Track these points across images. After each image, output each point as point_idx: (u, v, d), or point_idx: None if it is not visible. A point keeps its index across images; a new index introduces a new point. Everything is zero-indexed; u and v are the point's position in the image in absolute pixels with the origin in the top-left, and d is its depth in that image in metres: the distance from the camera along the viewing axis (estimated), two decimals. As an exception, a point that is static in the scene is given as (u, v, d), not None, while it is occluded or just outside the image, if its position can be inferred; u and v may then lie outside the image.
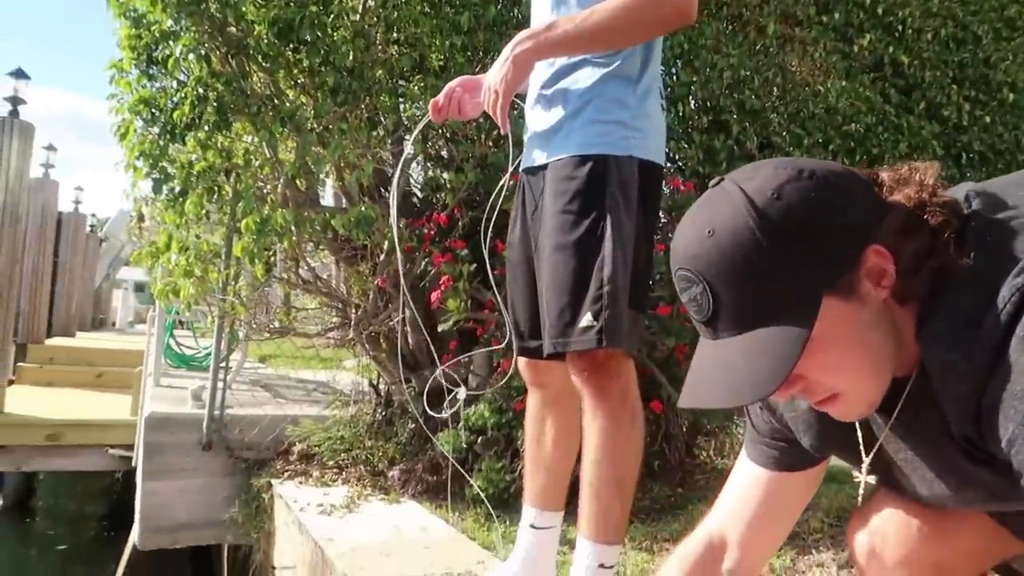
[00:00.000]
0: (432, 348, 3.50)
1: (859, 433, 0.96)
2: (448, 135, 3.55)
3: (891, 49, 4.25)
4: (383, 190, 3.61)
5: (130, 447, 5.75)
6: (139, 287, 24.74)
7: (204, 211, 3.40)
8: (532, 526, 1.86)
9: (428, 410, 3.15)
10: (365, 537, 2.55)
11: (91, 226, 14.41)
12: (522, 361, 1.87)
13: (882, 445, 0.93)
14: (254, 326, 3.59)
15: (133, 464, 5.37)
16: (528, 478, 1.89)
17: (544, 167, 1.67)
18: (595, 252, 1.54)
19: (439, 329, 2.97)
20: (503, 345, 2.90)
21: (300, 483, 3.27)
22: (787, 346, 0.77)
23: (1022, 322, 0.73)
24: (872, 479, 0.99)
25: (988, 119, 4.39)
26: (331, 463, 3.44)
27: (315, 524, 2.70)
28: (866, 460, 0.97)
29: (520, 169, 1.79)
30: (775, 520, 1.10)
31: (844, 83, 4.09)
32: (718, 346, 0.81)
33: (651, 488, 3.02)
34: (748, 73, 3.83)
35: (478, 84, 1.71)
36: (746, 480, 1.09)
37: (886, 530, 1.07)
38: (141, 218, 3.68)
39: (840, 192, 0.80)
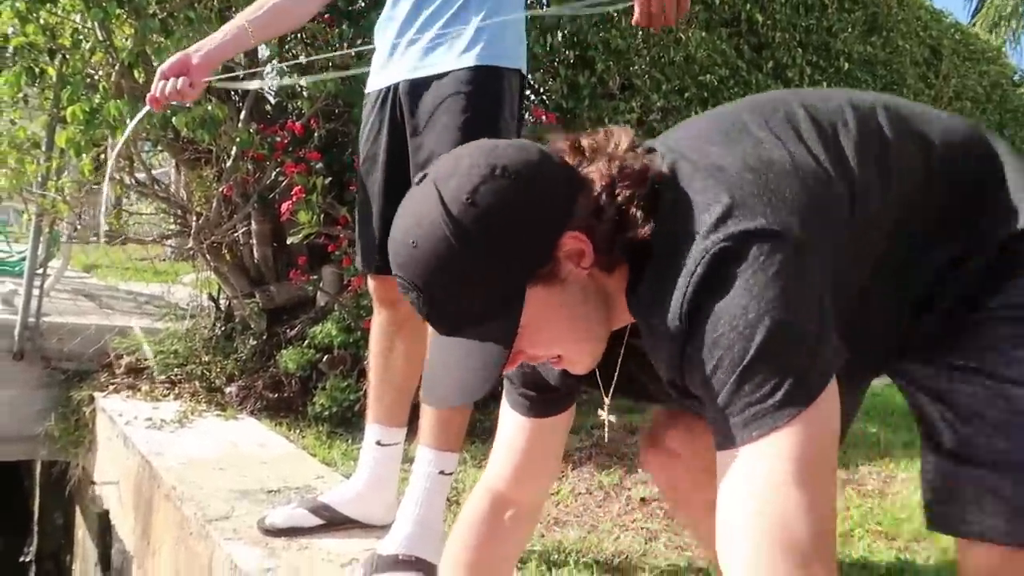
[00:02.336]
0: (277, 263, 3.38)
1: (598, 375, 1.05)
2: (307, 40, 3.34)
3: (748, 6, 4.43)
4: (232, 92, 3.36)
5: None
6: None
7: (21, 94, 3.03)
8: (378, 443, 1.87)
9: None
10: (198, 452, 2.45)
11: None
12: (371, 282, 1.85)
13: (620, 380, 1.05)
14: (78, 227, 3.27)
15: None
16: (373, 396, 1.89)
17: (430, 79, 1.63)
18: None
19: (288, 242, 2.85)
20: (354, 265, 2.85)
21: (127, 397, 3.08)
22: (494, 350, 0.84)
23: (704, 286, 0.80)
24: (613, 418, 1.11)
25: (825, 84, 4.72)
26: (162, 378, 3.25)
27: (143, 438, 2.56)
28: (607, 401, 1.09)
29: (388, 83, 1.73)
30: (543, 459, 1.20)
31: (704, 34, 4.24)
32: (444, 342, 0.88)
33: (493, 410, 3.11)
34: (616, 14, 3.87)
35: (185, 64, 1.69)
36: (510, 429, 1.16)
37: (677, 446, 1.23)
38: (-58, 96, 3.21)
39: (534, 187, 0.85)
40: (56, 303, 3.92)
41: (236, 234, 3.30)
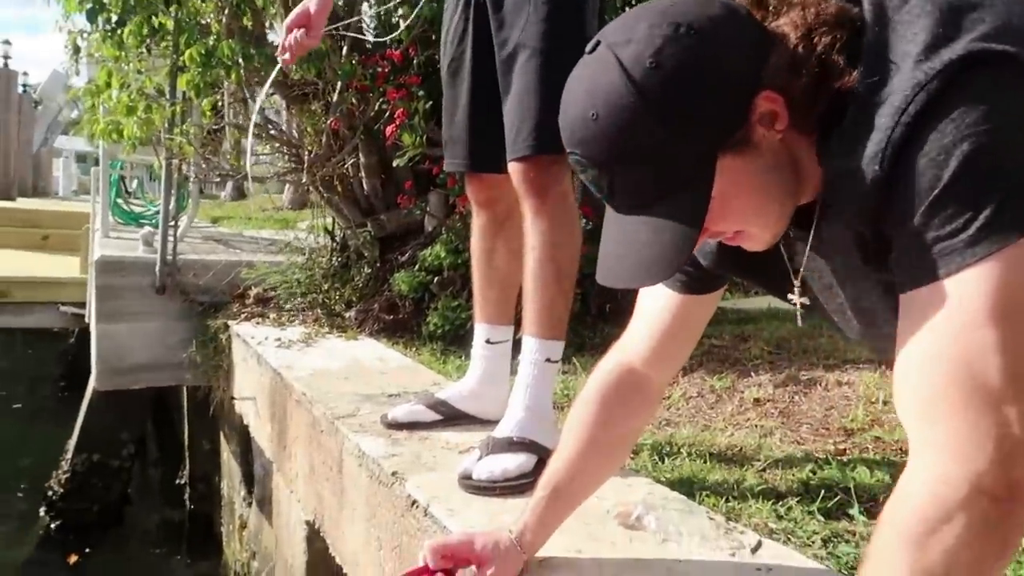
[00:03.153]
0: (386, 193, 3.49)
1: (785, 260, 0.98)
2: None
3: None
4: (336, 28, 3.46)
5: (82, 304, 5.69)
6: (80, 157, 23.72)
7: (145, 44, 3.23)
8: (488, 341, 1.92)
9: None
10: (323, 365, 2.61)
11: (23, 86, 13.60)
12: (468, 180, 1.88)
13: (805, 279, 0.96)
14: (203, 166, 3.49)
15: (87, 321, 5.35)
16: (479, 296, 1.94)
17: None
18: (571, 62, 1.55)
19: (395, 164, 2.93)
20: (459, 183, 2.90)
21: (257, 324, 3.30)
22: (687, 219, 0.78)
23: (916, 123, 0.72)
24: (805, 300, 1.01)
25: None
26: (288, 306, 3.46)
27: (273, 356, 2.75)
28: (796, 281, 1.00)
29: None
30: (682, 340, 1.15)
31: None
32: (624, 220, 0.82)
33: (603, 328, 3.13)
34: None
35: (306, 15, 1.75)
36: (656, 306, 1.12)
37: None
38: (76, 50, 3.47)
39: (721, 43, 0.77)
40: (189, 244, 4.22)
41: (346, 166, 3.42)
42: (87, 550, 4.22)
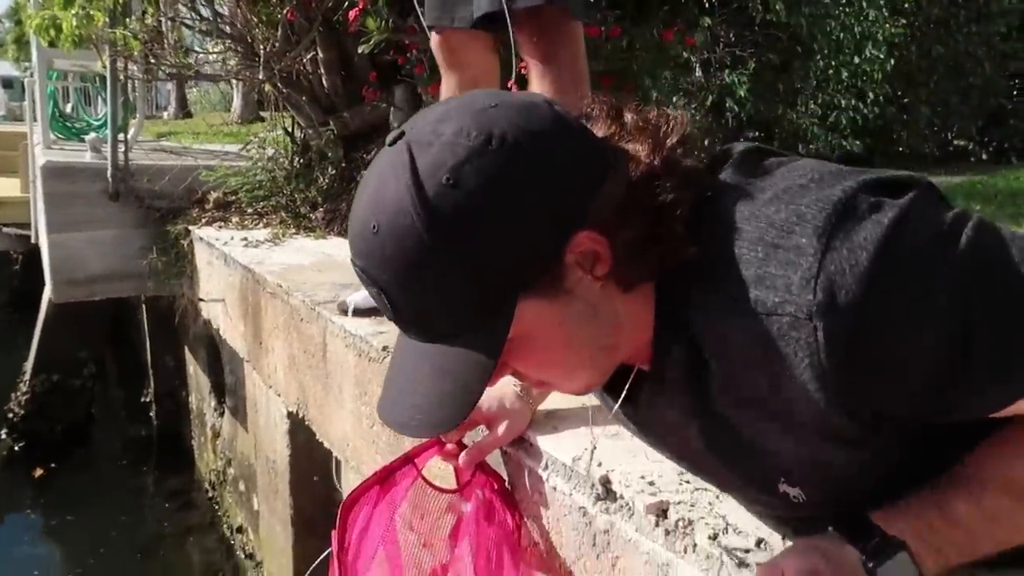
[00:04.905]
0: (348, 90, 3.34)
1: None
2: None
3: None
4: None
5: (26, 225, 5.44)
6: (7, 83, 22.36)
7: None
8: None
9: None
10: (296, 261, 2.53)
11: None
12: (435, 41, 1.76)
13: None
14: (151, 61, 3.29)
15: (33, 241, 5.13)
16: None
17: None
18: None
19: (360, 51, 2.79)
20: (427, 71, 2.79)
21: (220, 227, 3.19)
22: (472, 374, 0.65)
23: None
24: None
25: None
26: (250, 210, 3.35)
27: (242, 254, 2.66)
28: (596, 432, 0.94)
29: None
30: None
31: None
32: (412, 346, 0.69)
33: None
34: None
35: None
36: None
37: None
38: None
39: (543, 167, 0.62)
40: (141, 153, 4.02)
41: (304, 62, 3.26)
42: (53, 466, 4.14)
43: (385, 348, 1.61)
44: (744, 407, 0.67)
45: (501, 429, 1.10)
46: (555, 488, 1.11)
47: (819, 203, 0.61)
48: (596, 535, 1.03)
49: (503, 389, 1.13)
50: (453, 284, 0.63)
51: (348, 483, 2.21)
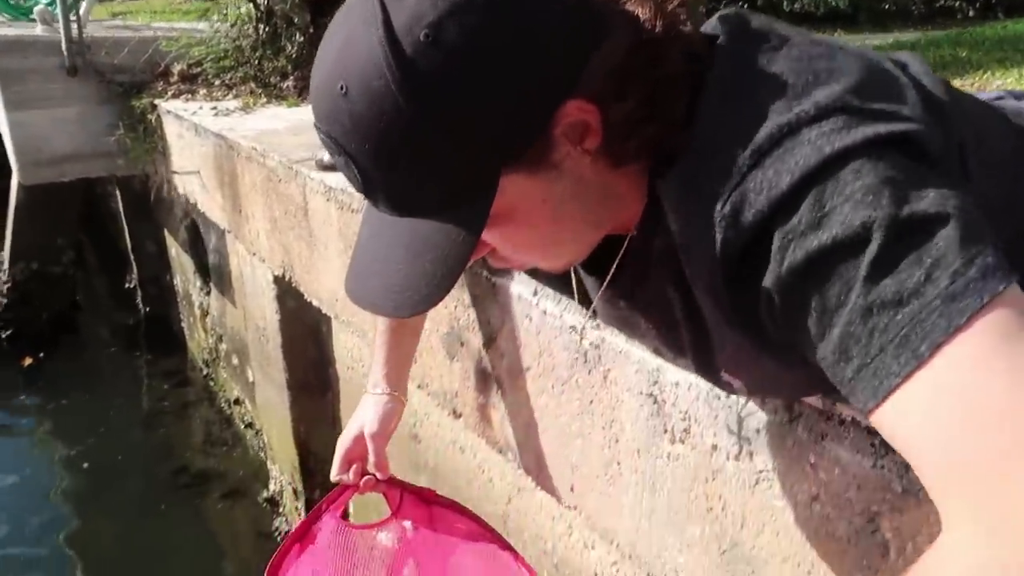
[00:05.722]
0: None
1: (574, 282, 0.84)
2: None
3: None
4: None
5: (-16, 114, 5.23)
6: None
7: None
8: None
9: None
10: (269, 126, 2.46)
11: None
12: None
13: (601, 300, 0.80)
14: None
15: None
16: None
17: None
18: None
19: None
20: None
21: (187, 99, 3.07)
22: (452, 251, 0.60)
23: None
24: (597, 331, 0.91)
25: None
26: (217, 81, 3.22)
27: (213, 123, 2.58)
28: (587, 316, 0.88)
29: None
30: None
31: None
32: (383, 221, 0.63)
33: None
34: None
35: None
36: None
37: None
38: None
39: (530, 25, 0.56)
40: (94, 27, 3.80)
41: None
42: (41, 355, 4.16)
43: (345, 176, 1.58)
44: (702, 293, 0.63)
45: (371, 430, 1.10)
46: (545, 312, 1.12)
47: (776, 118, 0.55)
48: (587, 351, 1.05)
49: (363, 400, 1.14)
50: (431, 155, 0.57)
51: (339, 341, 2.24)
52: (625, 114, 0.59)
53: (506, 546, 1.08)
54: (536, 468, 1.21)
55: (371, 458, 1.09)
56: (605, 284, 0.74)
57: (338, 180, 1.72)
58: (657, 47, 0.59)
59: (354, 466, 1.09)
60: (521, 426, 1.22)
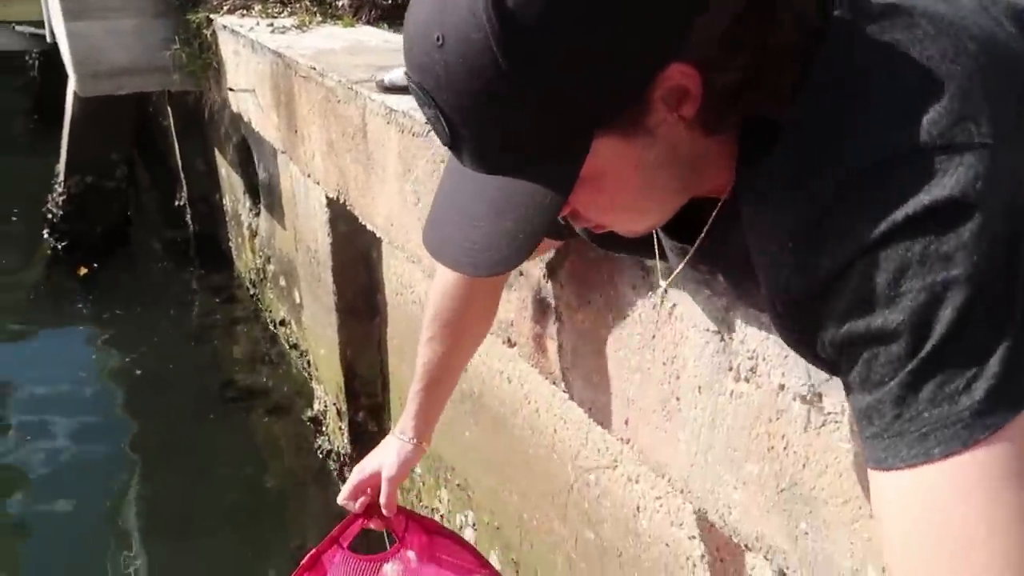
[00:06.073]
0: None
1: (656, 245, 0.81)
2: None
3: None
4: None
5: (40, 24, 5.25)
6: None
7: None
8: None
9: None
10: (326, 45, 2.43)
11: None
12: None
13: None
14: None
15: (49, 40, 4.97)
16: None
17: None
18: None
19: None
20: None
21: (242, 15, 3.05)
22: (536, 212, 0.58)
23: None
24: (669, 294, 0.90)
25: None
26: (273, -1, 3.18)
27: (270, 40, 2.56)
28: (663, 284, 0.86)
29: None
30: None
31: None
32: (466, 175, 0.61)
33: None
34: None
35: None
36: None
37: None
38: None
39: None
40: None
41: None
42: (96, 265, 4.29)
43: (432, 128, 1.57)
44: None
45: (389, 474, 1.14)
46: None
47: (878, 136, 0.52)
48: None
49: (386, 440, 1.18)
50: (527, 115, 0.55)
51: (389, 267, 2.26)
52: (728, 82, 0.56)
53: None
54: (590, 400, 1.21)
55: (383, 499, 1.15)
56: (693, 250, 0.73)
57: (399, 102, 1.71)
58: (767, 13, 0.55)
59: (362, 499, 1.17)
60: (577, 358, 1.22)
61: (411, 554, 1.16)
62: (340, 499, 1.17)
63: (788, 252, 0.56)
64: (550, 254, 1.21)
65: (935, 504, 0.50)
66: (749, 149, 0.59)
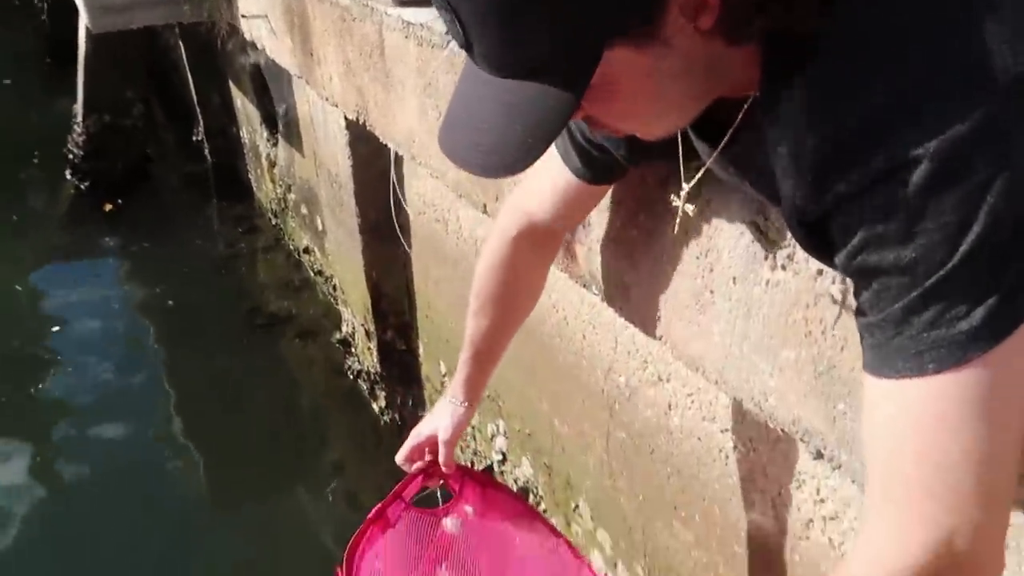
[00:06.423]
0: None
1: (680, 148, 0.81)
2: None
3: None
4: None
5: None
6: None
7: None
8: None
9: None
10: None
11: None
12: None
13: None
14: None
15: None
16: None
17: None
18: None
19: None
20: None
21: (250, -61, 2.97)
22: (549, 115, 0.58)
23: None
24: (691, 209, 0.90)
25: None
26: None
27: (279, -38, 2.50)
28: (686, 187, 0.85)
29: None
30: (579, 216, 1.13)
31: None
32: (480, 78, 0.61)
33: None
34: None
35: None
36: (559, 181, 0.99)
37: None
38: None
39: None
40: None
41: None
42: (119, 201, 4.33)
43: (448, 32, 1.54)
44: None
45: (444, 436, 1.18)
46: (641, 141, 1.10)
47: (914, 67, 0.52)
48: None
49: (438, 405, 1.22)
50: (543, 18, 0.55)
51: (411, 187, 2.26)
52: None
53: (552, 530, 1.25)
54: (621, 300, 1.22)
55: (441, 459, 1.20)
56: (716, 152, 0.73)
57: (416, 15, 1.68)
58: None
59: (419, 462, 1.21)
60: (608, 259, 1.23)
61: (468, 508, 1.24)
62: (399, 459, 1.22)
63: (806, 171, 0.57)
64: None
65: (922, 418, 0.54)
66: (775, 64, 0.58)
